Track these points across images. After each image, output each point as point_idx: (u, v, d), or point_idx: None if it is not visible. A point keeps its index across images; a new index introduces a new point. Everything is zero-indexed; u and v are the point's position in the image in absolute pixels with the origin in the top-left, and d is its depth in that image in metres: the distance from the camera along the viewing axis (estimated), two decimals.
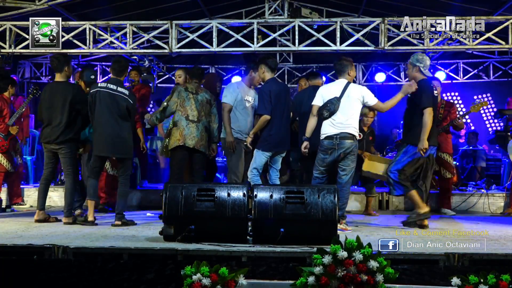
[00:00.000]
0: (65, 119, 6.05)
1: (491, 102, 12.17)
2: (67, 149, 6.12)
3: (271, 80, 6.22)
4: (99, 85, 6.08)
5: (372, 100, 5.87)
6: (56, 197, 8.24)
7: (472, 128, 11.61)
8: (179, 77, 7.08)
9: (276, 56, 12.77)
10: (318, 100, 5.82)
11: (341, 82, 5.84)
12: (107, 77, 11.72)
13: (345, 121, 5.69)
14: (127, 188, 6.19)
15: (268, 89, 6.12)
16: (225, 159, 8.18)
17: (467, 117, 11.61)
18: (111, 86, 5.98)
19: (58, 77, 6.22)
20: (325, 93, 5.82)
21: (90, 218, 5.97)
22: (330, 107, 5.68)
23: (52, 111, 6.11)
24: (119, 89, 6.00)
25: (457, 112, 7.75)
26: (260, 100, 6.17)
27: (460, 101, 12.40)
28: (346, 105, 5.71)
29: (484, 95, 12.25)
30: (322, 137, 5.76)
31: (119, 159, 6.23)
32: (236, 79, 11.73)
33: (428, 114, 5.87)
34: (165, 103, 6.51)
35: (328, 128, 5.72)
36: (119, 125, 5.96)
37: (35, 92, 7.44)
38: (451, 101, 10.60)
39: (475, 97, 12.27)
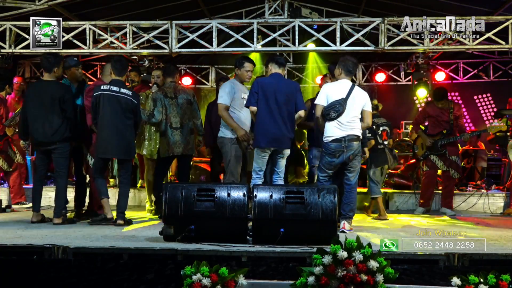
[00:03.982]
0: (57, 118, 5.98)
1: (491, 102, 12.18)
2: (63, 148, 6.07)
3: (273, 74, 5.87)
4: (102, 87, 6.04)
5: (368, 108, 5.74)
6: None
7: (473, 128, 11.61)
8: (157, 77, 7.09)
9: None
10: (323, 100, 5.62)
11: (346, 83, 5.67)
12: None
13: (351, 123, 5.57)
14: (128, 188, 6.20)
15: (257, 80, 5.87)
16: None
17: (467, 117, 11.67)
18: (114, 88, 5.98)
19: (47, 76, 6.13)
20: (330, 92, 5.62)
21: (109, 216, 5.97)
22: (339, 108, 5.50)
23: (41, 110, 6.00)
24: (122, 90, 5.99)
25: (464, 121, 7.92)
26: (249, 91, 5.90)
27: (460, 101, 12.42)
28: (351, 107, 5.57)
29: (484, 95, 12.26)
30: (329, 139, 5.58)
31: (120, 160, 6.23)
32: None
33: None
34: (149, 110, 6.61)
35: (335, 130, 5.55)
36: (123, 126, 5.96)
37: None
38: (459, 101, 10.62)
39: (475, 96, 12.29)
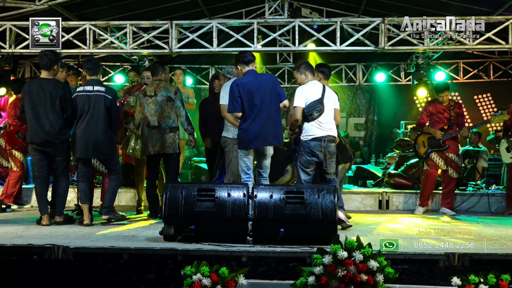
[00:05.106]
0: (58, 118, 5.92)
1: (491, 102, 12.19)
2: (65, 149, 6.05)
3: (246, 72, 5.69)
4: (77, 89, 6.08)
5: (338, 106, 5.92)
6: None
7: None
8: (147, 78, 7.03)
9: (276, 56, 12.82)
10: (302, 102, 5.64)
11: (318, 84, 5.79)
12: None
13: (329, 124, 5.69)
14: (113, 183, 6.14)
15: (235, 83, 5.65)
16: None
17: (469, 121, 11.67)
18: (88, 88, 5.96)
19: (45, 74, 6.01)
20: (308, 94, 5.67)
21: (86, 221, 5.94)
22: (320, 108, 5.62)
23: (40, 109, 5.88)
24: (96, 88, 5.95)
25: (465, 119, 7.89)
26: (229, 96, 5.71)
27: (460, 101, 12.43)
28: (327, 107, 5.70)
29: (484, 95, 12.27)
30: (308, 138, 5.64)
31: (101, 160, 6.25)
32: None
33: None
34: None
35: (315, 130, 5.63)
36: (96, 127, 5.90)
37: None
38: (458, 100, 10.60)
39: (475, 96, 12.29)
